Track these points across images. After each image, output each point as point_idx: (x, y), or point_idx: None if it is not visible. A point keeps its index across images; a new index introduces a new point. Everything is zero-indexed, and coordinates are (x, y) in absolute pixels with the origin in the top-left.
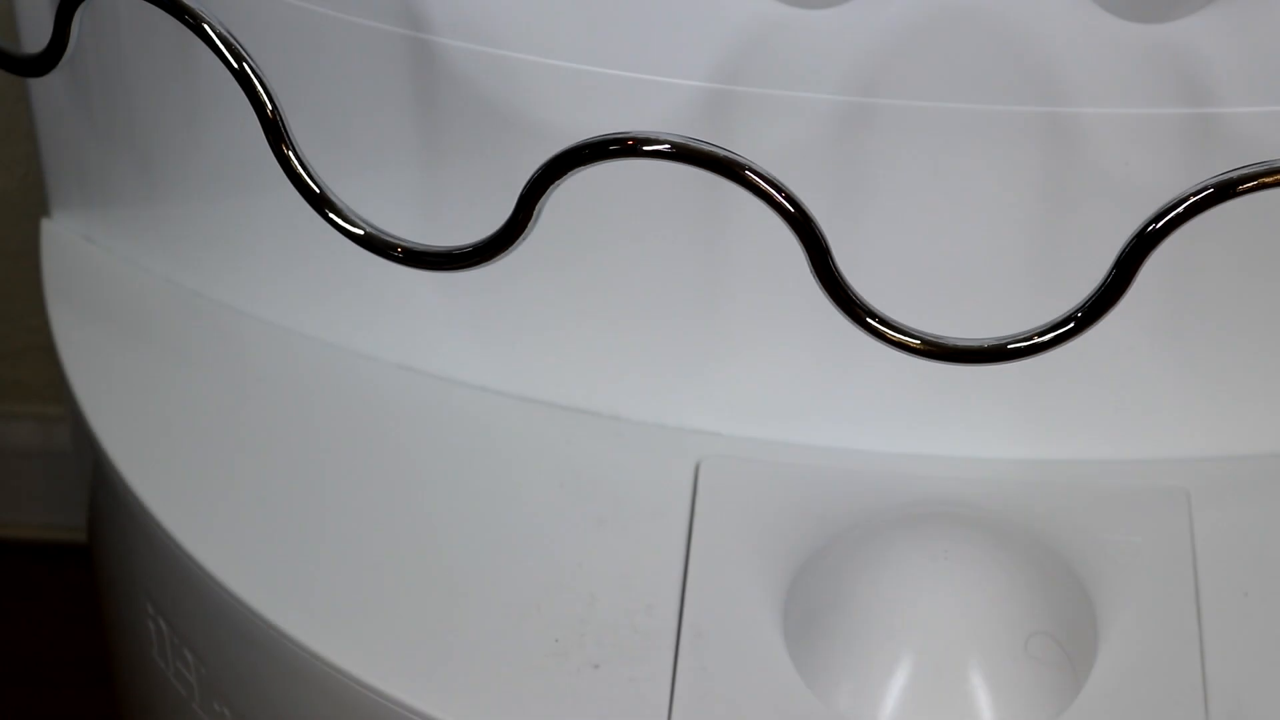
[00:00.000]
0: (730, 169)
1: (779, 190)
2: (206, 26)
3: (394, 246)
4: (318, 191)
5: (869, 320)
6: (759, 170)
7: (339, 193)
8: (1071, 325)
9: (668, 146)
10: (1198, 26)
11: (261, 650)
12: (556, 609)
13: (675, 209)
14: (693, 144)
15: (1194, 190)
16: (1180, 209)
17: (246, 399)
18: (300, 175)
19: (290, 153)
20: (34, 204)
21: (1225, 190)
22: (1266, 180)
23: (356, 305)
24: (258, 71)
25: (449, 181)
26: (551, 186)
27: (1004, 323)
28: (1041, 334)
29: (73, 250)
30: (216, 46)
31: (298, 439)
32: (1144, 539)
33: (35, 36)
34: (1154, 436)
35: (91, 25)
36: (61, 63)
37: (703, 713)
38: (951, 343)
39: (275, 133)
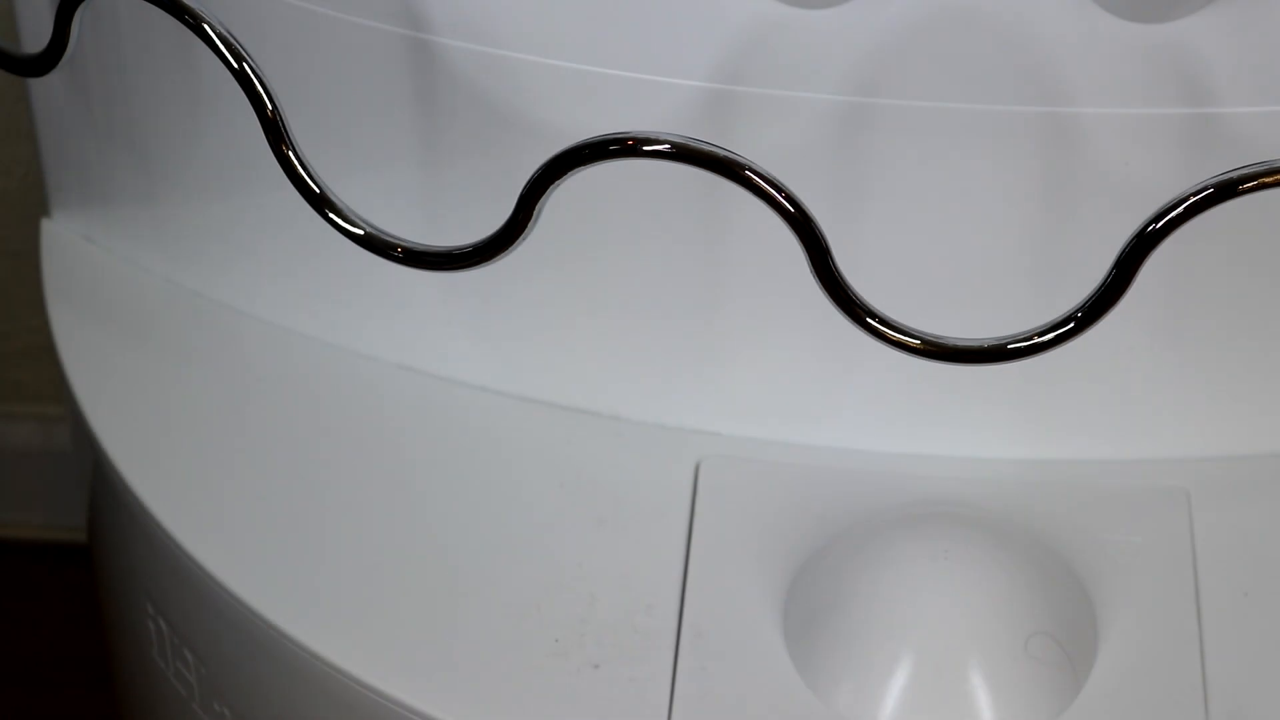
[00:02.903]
0: (730, 169)
1: (779, 190)
2: (206, 26)
3: (394, 246)
4: (318, 191)
5: (869, 320)
6: (759, 170)
7: (339, 193)
8: (1071, 325)
9: (668, 146)
10: (1198, 26)
11: (261, 650)
12: (556, 609)
13: (675, 209)
14: (693, 144)
15: (1194, 190)
16: (1180, 209)
17: (246, 399)
18: (300, 175)
19: (290, 153)
20: (34, 204)
21: (1225, 190)
22: (1266, 180)
23: (356, 305)
24: (258, 71)
25: (449, 181)
26: (551, 186)
27: (1004, 323)
28: (1041, 334)
29: (73, 250)
30: (216, 46)
31: (298, 439)
32: (1144, 539)
33: (35, 36)
34: (1154, 436)
35: (91, 25)
36: (61, 63)
37: (703, 713)
38: (951, 343)
39: (275, 133)
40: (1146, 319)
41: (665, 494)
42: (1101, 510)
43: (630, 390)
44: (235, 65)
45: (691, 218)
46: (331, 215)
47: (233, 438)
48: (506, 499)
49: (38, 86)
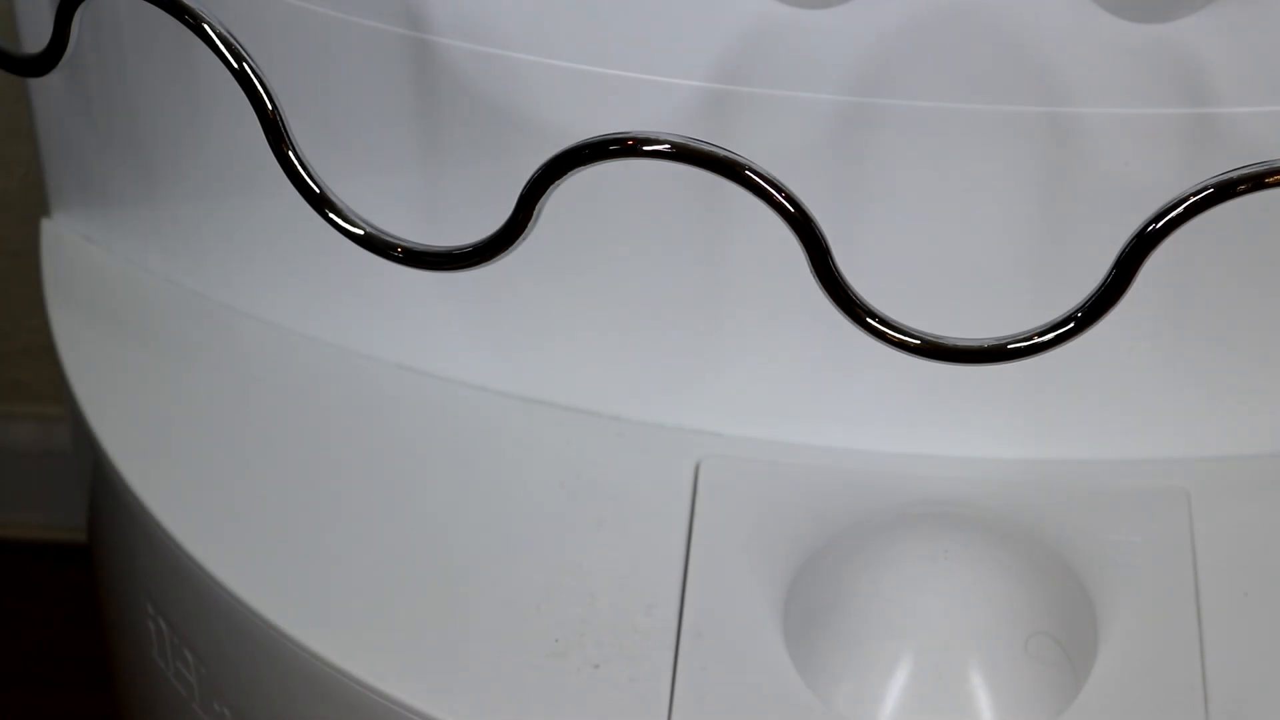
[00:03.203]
0: (730, 169)
1: (779, 190)
2: (206, 26)
3: (394, 246)
4: (318, 191)
5: (869, 320)
6: (759, 170)
7: (339, 193)
8: (1071, 325)
9: (668, 146)
10: (1198, 26)
11: (261, 650)
12: (556, 609)
13: (675, 209)
14: (693, 144)
15: (1194, 190)
16: (1180, 209)
17: (246, 399)
18: (300, 175)
19: (290, 153)
20: (34, 204)
21: (1225, 190)
22: (1266, 180)
23: (356, 305)
24: (258, 71)
25: (449, 181)
26: (551, 186)
27: (1004, 323)
28: (1041, 334)
29: (73, 250)
30: (216, 46)
31: (298, 439)
32: (1144, 539)
33: (35, 36)
34: (1154, 436)
35: (91, 25)
36: (61, 63)
37: (703, 713)
38: (951, 343)
39: (275, 133)
40: (1146, 319)
41: (665, 494)
42: (1101, 510)
43: (630, 390)
44: (235, 65)
45: (691, 218)
46: (331, 215)
47: (233, 438)
48: (506, 499)
49: (38, 86)
